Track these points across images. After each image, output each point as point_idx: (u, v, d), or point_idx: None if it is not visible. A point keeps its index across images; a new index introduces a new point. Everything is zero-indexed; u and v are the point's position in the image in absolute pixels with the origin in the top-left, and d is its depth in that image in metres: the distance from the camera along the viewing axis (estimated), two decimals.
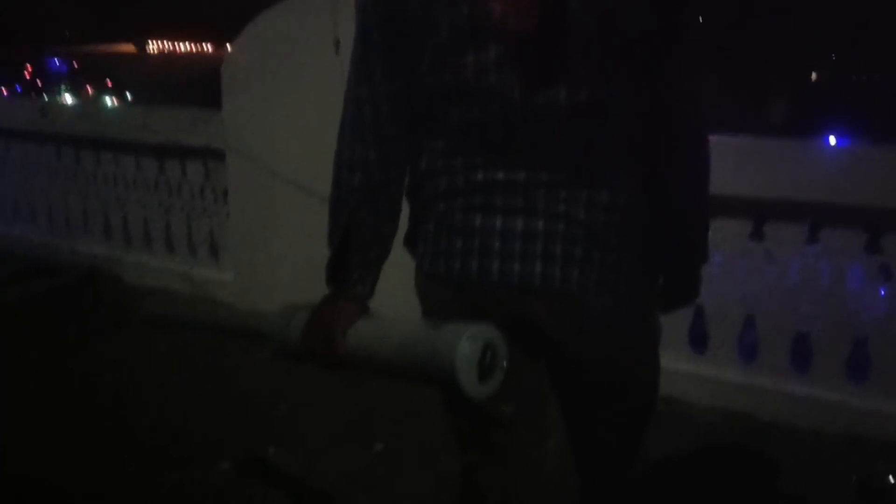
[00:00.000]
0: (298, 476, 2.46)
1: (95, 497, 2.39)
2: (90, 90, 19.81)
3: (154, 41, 51.82)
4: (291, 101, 3.34)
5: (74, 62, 29.19)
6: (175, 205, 4.15)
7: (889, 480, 2.37)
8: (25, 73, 26.20)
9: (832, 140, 2.64)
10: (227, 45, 3.71)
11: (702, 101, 1.27)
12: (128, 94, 18.78)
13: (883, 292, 2.62)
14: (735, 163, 2.72)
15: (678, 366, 2.83)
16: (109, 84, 21.30)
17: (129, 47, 48.10)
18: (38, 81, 22.97)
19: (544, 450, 1.43)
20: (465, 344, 1.14)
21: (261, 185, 3.46)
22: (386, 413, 2.84)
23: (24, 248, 4.68)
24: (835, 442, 2.61)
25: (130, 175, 4.28)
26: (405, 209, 1.35)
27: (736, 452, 2.60)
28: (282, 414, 2.87)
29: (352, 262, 1.30)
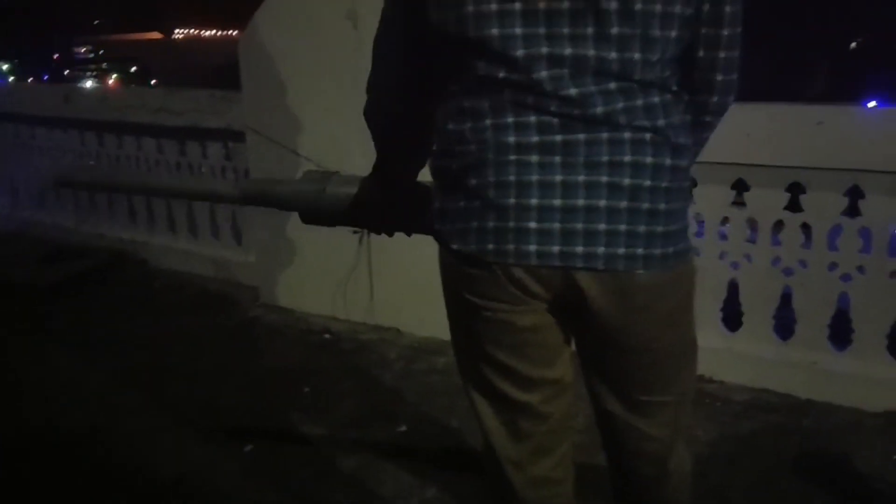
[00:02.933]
0: (323, 455, 2.43)
1: (124, 466, 2.39)
2: (115, 77, 19.99)
3: (180, 27, 52.13)
4: (310, 78, 3.28)
5: (101, 50, 29.52)
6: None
7: None
8: (53, 61, 26.52)
9: (872, 104, 2.51)
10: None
11: (737, 54, 1.20)
12: (152, 81, 18.89)
13: None
14: (772, 131, 2.62)
15: (712, 343, 2.74)
16: (135, 70, 21.47)
17: (155, 34, 48.47)
18: (66, 70, 23.22)
19: (571, 442, 1.40)
20: None
21: (281, 165, 3.40)
22: (409, 395, 2.80)
23: (52, 232, 4.70)
24: (875, 419, 2.52)
25: (153, 157, 4.26)
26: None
27: (773, 431, 2.51)
28: (306, 395, 2.84)
29: (391, 168, 1.44)
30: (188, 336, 3.38)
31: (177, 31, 52.50)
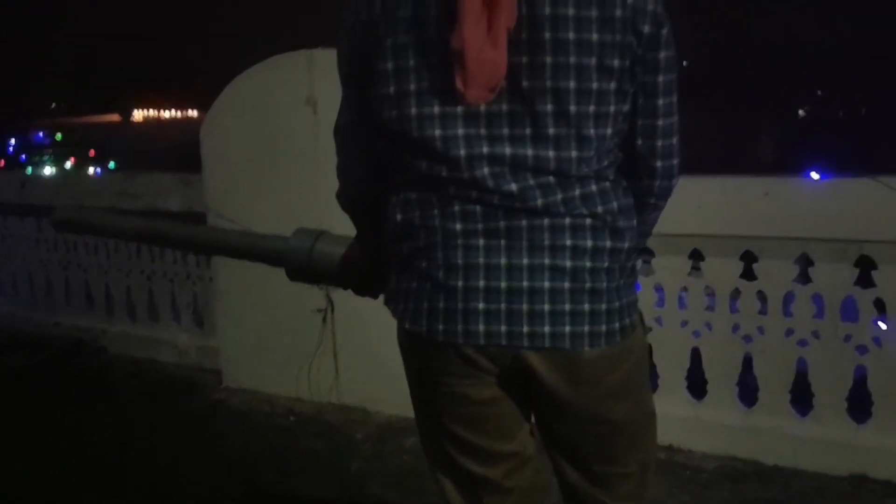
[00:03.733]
0: None
1: None
2: (73, 161, 19.93)
3: (139, 109, 52.38)
4: (270, 160, 3.32)
5: (59, 133, 29.44)
6: (158, 271, 4.08)
7: None
8: (8, 147, 26.37)
9: (814, 175, 2.65)
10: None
11: (675, 141, 1.27)
12: (112, 163, 18.88)
13: (878, 327, 2.58)
14: (722, 202, 2.71)
15: (678, 412, 2.76)
16: (93, 154, 21.45)
17: (114, 117, 48.58)
18: (23, 155, 23.10)
19: None
20: None
21: None
22: (377, 478, 2.75)
23: (5, 321, 4.59)
24: (840, 483, 2.54)
25: (111, 242, 4.22)
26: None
27: (742, 499, 2.51)
28: (270, 481, 2.76)
29: (368, 239, 1.47)
30: (148, 425, 3.29)
31: (135, 112, 52.73)
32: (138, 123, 49.76)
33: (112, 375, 3.94)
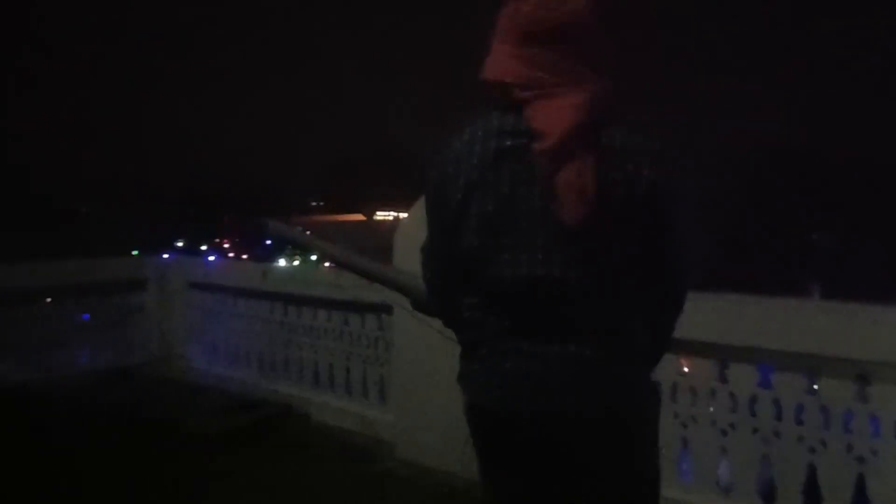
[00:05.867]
0: None
1: None
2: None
3: (382, 210, 57.32)
4: None
5: (309, 231, 33.29)
6: (355, 353, 4.78)
7: None
8: (264, 243, 30.37)
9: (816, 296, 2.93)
10: None
11: (685, 271, 1.65)
12: None
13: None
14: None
15: None
16: None
17: (359, 216, 53.60)
18: (262, 248, 26.52)
19: None
20: None
21: (419, 338, 3.95)
22: None
23: (237, 386, 5.51)
24: None
25: (322, 326, 5.01)
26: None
27: None
28: None
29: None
30: (328, 482, 3.88)
31: (378, 212, 57.69)
32: (380, 222, 54.36)
33: (309, 438, 4.64)
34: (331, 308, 4.97)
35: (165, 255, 6.67)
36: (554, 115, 1.50)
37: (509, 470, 1.66)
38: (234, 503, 3.69)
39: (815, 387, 3.02)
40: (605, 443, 1.56)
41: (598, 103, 1.51)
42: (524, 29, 1.54)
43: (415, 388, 4.04)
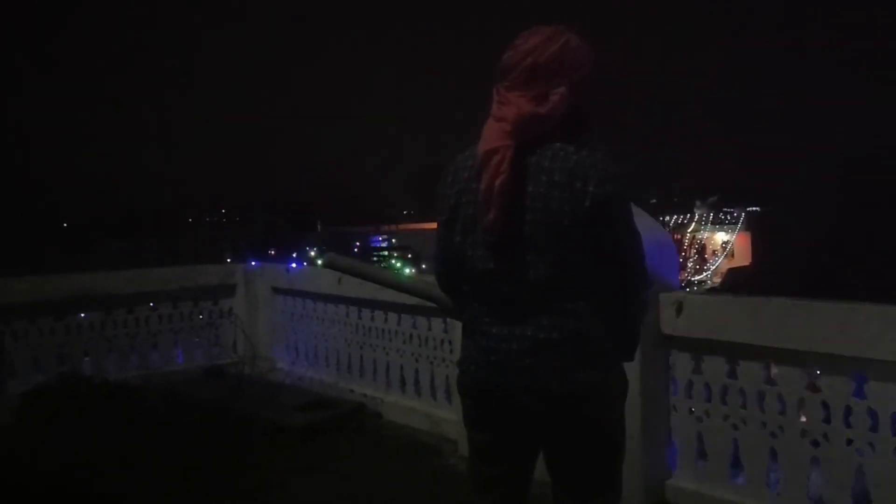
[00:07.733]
0: None
1: None
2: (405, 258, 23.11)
3: None
4: None
5: (394, 239, 34.13)
6: (423, 354, 5.03)
7: None
8: (353, 249, 31.23)
9: None
10: None
11: (638, 271, 1.91)
12: (423, 264, 21.50)
13: None
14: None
15: None
16: (409, 256, 24.55)
17: (433, 224, 54.32)
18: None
19: None
20: None
21: None
22: None
23: (318, 386, 5.86)
24: None
25: (392, 329, 5.29)
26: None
27: None
28: None
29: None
30: (397, 476, 4.13)
31: None
32: None
33: (380, 434, 4.91)
34: (400, 311, 5.23)
35: (253, 263, 7.10)
36: (486, 135, 1.83)
37: (481, 427, 1.99)
38: (314, 490, 3.99)
39: None
40: (565, 413, 1.85)
41: (526, 126, 1.80)
42: (500, 67, 1.88)
43: None
